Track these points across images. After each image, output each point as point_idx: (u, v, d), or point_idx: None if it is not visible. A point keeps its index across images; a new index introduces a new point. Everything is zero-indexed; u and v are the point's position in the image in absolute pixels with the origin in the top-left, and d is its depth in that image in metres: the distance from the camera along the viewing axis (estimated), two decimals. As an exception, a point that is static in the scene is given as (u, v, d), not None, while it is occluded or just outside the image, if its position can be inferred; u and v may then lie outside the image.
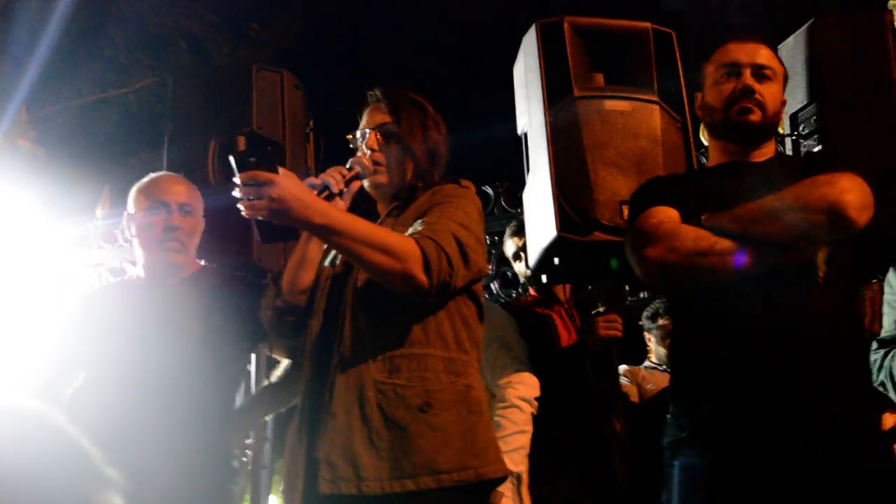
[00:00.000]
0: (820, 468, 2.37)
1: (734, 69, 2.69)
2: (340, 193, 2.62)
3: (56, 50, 9.82)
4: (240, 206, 2.39)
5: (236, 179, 2.37)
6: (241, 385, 3.61)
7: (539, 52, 3.51)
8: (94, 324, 3.34)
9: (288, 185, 2.34)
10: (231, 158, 2.42)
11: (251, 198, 2.34)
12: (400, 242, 2.44)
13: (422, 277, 2.43)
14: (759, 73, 2.69)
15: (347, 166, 2.68)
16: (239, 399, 3.63)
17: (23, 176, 6.80)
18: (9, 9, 10.02)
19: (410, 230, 2.54)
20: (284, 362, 3.47)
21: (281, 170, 2.39)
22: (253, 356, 4.05)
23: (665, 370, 4.93)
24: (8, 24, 9.84)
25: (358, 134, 2.81)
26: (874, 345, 3.14)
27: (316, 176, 2.65)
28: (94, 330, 3.33)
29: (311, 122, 4.12)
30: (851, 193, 2.41)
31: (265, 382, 3.75)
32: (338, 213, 2.45)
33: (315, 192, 2.51)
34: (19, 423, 0.93)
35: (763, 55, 2.73)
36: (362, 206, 2.82)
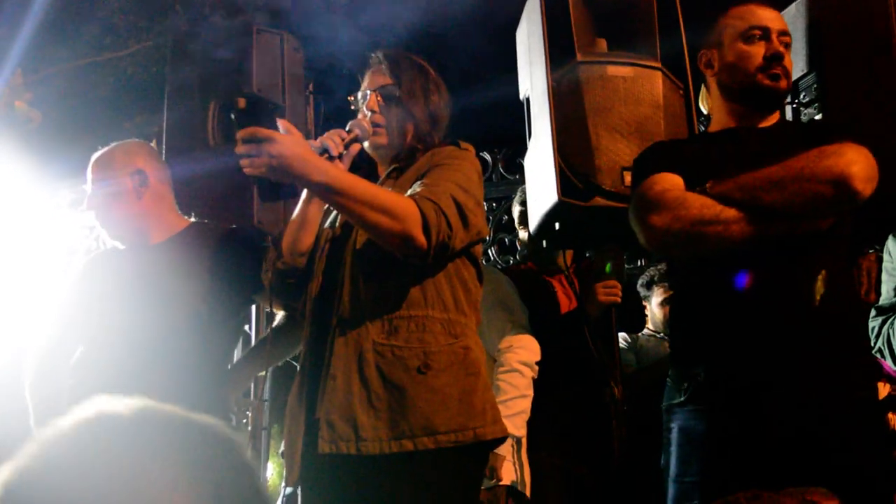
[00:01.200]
0: (817, 433, 2.39)
1: (764, 32, 2.68)
2: (340, 156, 2.62)
3: (51, 12, 9.75)
4: (241, 162, 2.38)
5: (238, 136, 2.36)
6: (237, 341, 3.61)
7: (542, 17, 3.50)
8: (90, 290, 3.36)
9: (287, 142, 2.34)
10: (232, 115, 2.41)
11: (252, 155, 2.34)
12: (399, 203, 2.43)
13: (420, 238, 2.43)
14: (782, 40, 2.68)
15: (347, 129, 2.68)
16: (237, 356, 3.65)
17: (18, 138, 6.76)
18: (3, -31, 9.93)
19: (409, 191, 2.54)
20: (279, 315, 3.47)
21: (285, 126, 2.39)
22: (253, 311, 4.06)
23: (663, 338, 4.96)
24: (2, -16, 9.76)
25: (359, 95, 2.82)
26: (872, 312, 3.16)
27: (315, 139, 2.65)
28: (90, 297, 3.35)
29: (310, 85, 4.11)
30: (858, 165, 2.40)
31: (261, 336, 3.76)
32: (337, 172, 2.44)
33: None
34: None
35: (782, 22, 2.73)
36: (362, 168, 2.82)
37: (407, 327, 2.52)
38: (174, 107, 3.93)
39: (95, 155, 3.42)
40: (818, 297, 2.45)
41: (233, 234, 3.41)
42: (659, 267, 4.96)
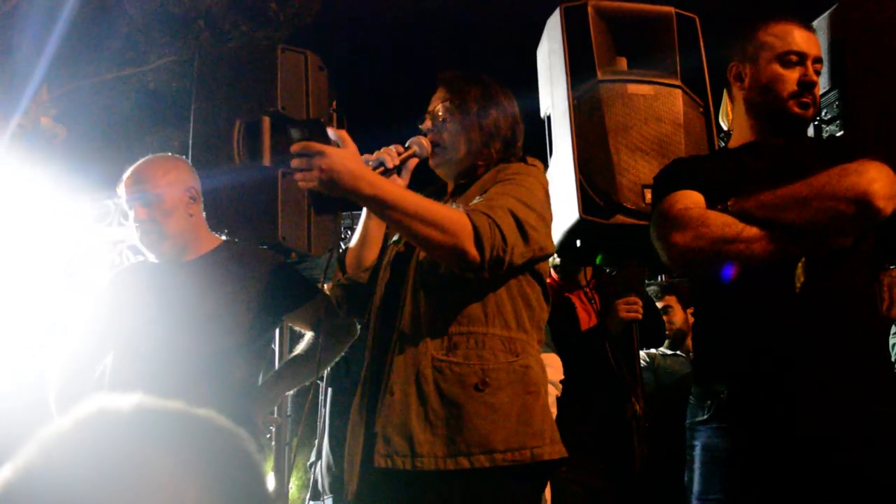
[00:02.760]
0: (839, 451, 2.39)
1: (801, 58, 2.66)
2: (398, 171, 2.65)
3: (75, 28, 9.84)
4: (295, 176, 2.38)
5: (292, 150, 2.37)
6: (264, 360, 3.64)
7: (563, 36, 3.53)
8: (120, 304, 3.38)
9: (339, 156, 2.33)
10: (289, 128, 2.43)
11: (304, 168, 2.34)
12: (451, 216, 2.41)
13: (473, 252, 2.39)
14: (816, 68, 2.68)
15: (406, 145, 2.70)
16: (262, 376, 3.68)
17: (43, 153, 6.84)
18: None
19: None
20: (307, 336, 3.50)
21: (342, 137, 2.39)
22: (276, 332, 4.08)
23: (680, 356, 4.97)
24: (26, 3, 9.86)
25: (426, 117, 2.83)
26: (893, 328, 3.17)
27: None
28: (119, 310, 3.37)
29: (334, 103, 4.15)
30: (879, 183, 2.40)
31: (287, 357, 3.79)
32: (389, 186, 2.42)
33: (370, 168, 2.50)
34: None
35: (818, 48, 2.71)
36: (429, 188, 2.84)
37: (466, 344, 2.51)
38: (199, 122, 3.97)
39: (137, 166, 3.39)
40: (798, 285, 2.45)
41: (263, 253, 3.45)
42: (661, 284, 4.99)
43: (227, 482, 0.91)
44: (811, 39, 2.70)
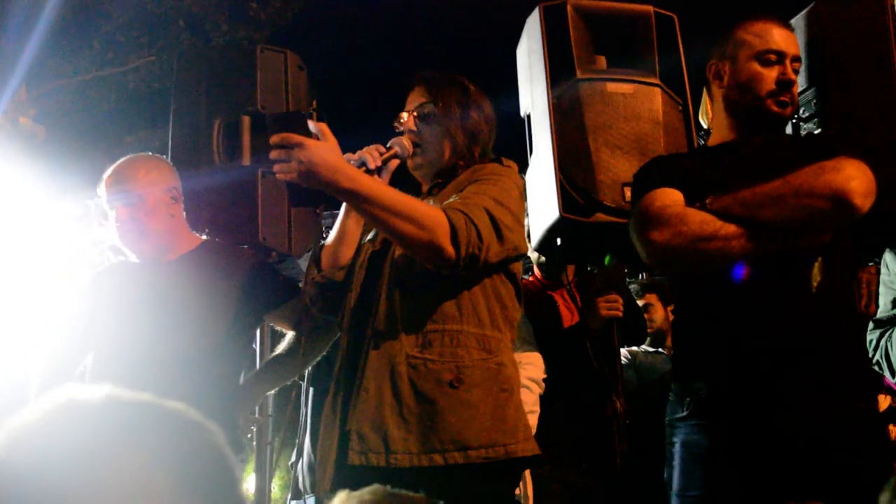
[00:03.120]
0: (818, 446, 2.40)
1: (780, 57, 2.68)
2: (378, 171, 2.65)
3: (55, 27, 9.80)
4: (274, 168, 2.40)
5: (271, 141, 2.39)
6: (246, 360, 3.63)
7: (542, 34, 3.53)
8: (101, 304, 3.38)
9: (318, 148, 2.35)
10: (269, 119, 2.44)
11: (282, 160, 2.36)
12: (427, 212, 2.43)
13: (449, 249, 2.42)
14: (794, 66, 2.70)
15: (387, 145, 2.71)
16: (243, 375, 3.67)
17: (22, 154, 6.80)
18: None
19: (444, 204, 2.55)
20: (288, 336, 3.50)
21: (321, 130, 2.40)
22: (258, 332, 4.08)
23: (661, 353, 4.99)
24: (6, 2, 9.81)
25: (402, 117, 2.84)
26: (870, 325, 3.18)
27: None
28: (101, 310, 3.37)
29: (314, 102, 4.14)
30: (857, 181, 2.42)
31: (268, 357, 3.79)
32: (367, 180, 2.44)
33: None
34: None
35: (797, 47, 2.74)
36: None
37: (441, 341, 2.53)
38: (179, 122, 3.96)
39: (118, 166, 3.40)
40: (815, 284, 2.46)
41: (244, 253, 3.44)
42: (642, 282, 5.01)
43: (196, 474, 0.91)
44: (790, 38, 2.72)
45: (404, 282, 2.59)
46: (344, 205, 2.70)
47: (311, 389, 4.02)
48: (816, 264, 2.47)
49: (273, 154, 2.37)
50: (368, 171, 2.58)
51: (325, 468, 2.59)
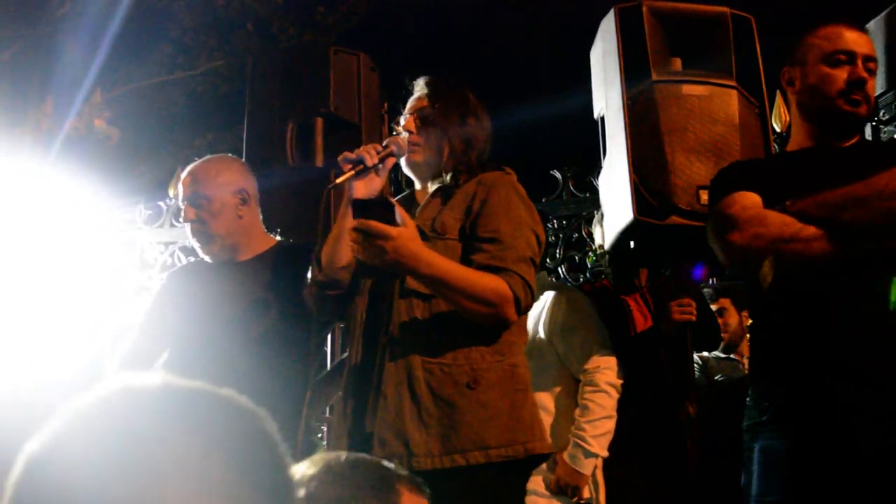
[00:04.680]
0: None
1: (850, 57, 2.66)
2: (375, 169, 2.71)
3: (126, 32, 9.96)
4: (351, 247, 2.52)
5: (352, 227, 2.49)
6: (317, 361, 3.65)
7: (617, 36, 3.51)
8: (173, 304, 3.42)
9: (402, 239, 2.46)
10: (357, 204, 2.53)
11: (364, 244, 2.46)
12: (494, 289, 2.57)
13: (513, 317, 2.60)
14: (867, 66, 2.67)
15: (384, 144, 2.77)
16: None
17: (97, 155, 6.93)
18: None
19: (484, 257, 2.64)
20: None
21: (402, 217, 2.50)
22: (329, 333, 4.10)
23: (732, 359, 4.93)
24: (78, 6, 9.99)
25: (400, 118, 2.93)
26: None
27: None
28: (173, 309, 3.41)
29: (385, 104, 4.17)
30: None
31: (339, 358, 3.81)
32: (441, 263, 2.55)
33: (350, 165, 2.65)
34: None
35: (870, 46, 2.71)
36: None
37: (454, 346, 2.61)
38: (253, 123, 4.01)
39: (193, 167, 3.45)
40: (765, 286, 2.43)
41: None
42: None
43: (251, 460, 0.91)
44: (861, 39, 2.70)
45: (418, 288, 2.65)
46: (342, 204, 2.78)
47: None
48: (767, 263, 2.44)
49: (353, 237, 2.48)
50: (365, 169, 2.66)
51: None
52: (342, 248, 2.74)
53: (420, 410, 2.53)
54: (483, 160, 2.89)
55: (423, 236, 2.66)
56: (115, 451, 0.86)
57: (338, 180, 2.66)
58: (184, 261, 6.15)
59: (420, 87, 2.95)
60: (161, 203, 7.00)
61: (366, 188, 2.72)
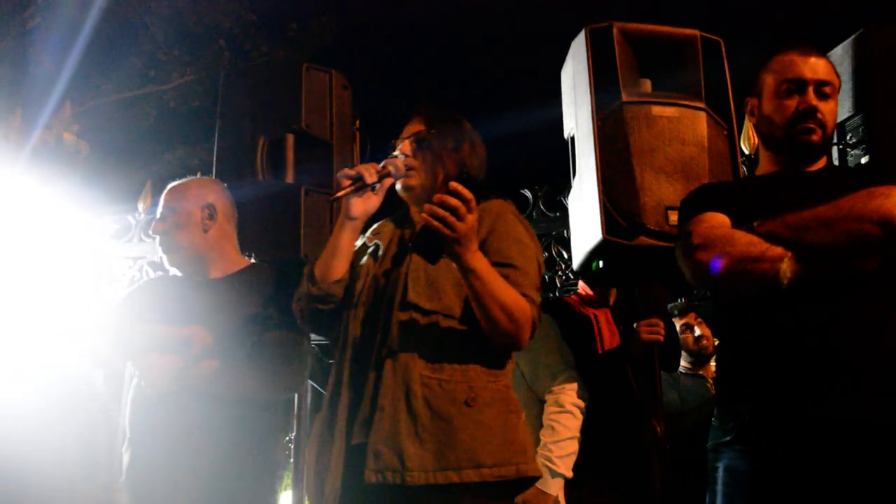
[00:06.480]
0: (864, 475, 2.37)
1: (798, 86, 2.70)
2: (373, 187, 2.73)
3: (97, 45, 9.92)
4: (426, 206, 2.47)
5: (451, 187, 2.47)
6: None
7: (588, 57, 3.54)
8: (141, 314, 3.40)
9: (474, 222, 2.47)
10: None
11: (441, 213, 2.44)
12: (521, 306, 2.59)
13: (525, 341, 2.64)
14: (821, 91, 2.70)
15: (381, 165, 2.78)
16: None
17: (66, 169, 6.88)
18: (50, 3, 10.12)
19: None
20: None
21: (473, 207, 2.49)
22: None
23: (696, 375, 4.96)
24: (49, 18, 9.95)
25: (398, 143, 2.92)
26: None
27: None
28: (140, 320, 3.39)
29: (357, 122, 4.17)
30: None
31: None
32: (485, 263, 2.56)
33: (349, 181, 2.67)
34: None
35: (824, 70, 2.73)
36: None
37: (451, 363, 2.61)
38: (224, 139, 4.00)
39: (171, 184, 3.49)
40: (784, 282, 2.44)
41: (288, 278, 3.45)
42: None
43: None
44: (815, 64, 2.72)
45: (418, 305, 2.66)
46: (338, 220, 2.78)
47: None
48: (786, 259, 2.45)
49: (441, 199, 2.44)
50: (364, 186, 2.69)
51: (322, 486, 2.63)
52: (337, 263, 2.77)
53: (416, 425, 2.52)
54: (479, 186, 2.90)
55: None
56: None
57: (337, 195, 2.68)
58: (152, 275, 6.10)
59: (416, 114, 2.97)
60: (130, 217, 6.96)
61: (363, 205, 2.75)
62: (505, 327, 2.56)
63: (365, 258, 2.86)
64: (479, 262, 2.52)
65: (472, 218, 2.45)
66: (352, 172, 2.69)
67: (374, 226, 2.97)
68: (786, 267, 2.42)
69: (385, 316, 2.68)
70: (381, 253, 2.85)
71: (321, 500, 2.62)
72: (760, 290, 2.50)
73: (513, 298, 2.58)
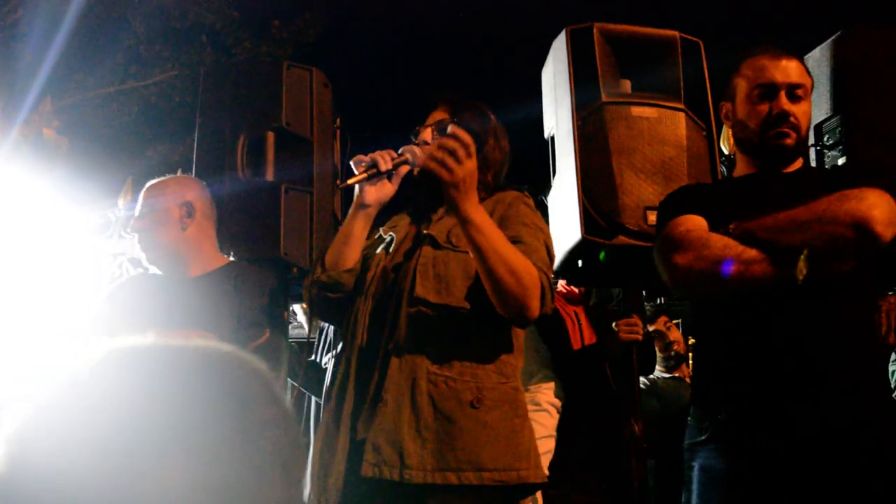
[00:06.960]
0: (837, 474, 2.39)
1: (770, 90, 2.69)
2: (388, 175, 2.67)
3: (78, 40, 9.87)
4: (426, 149, 2.49)
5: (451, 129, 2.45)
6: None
7: (568, 57, 3.55)
8: (122, 311, 3.39)
9: (474, 170, 2.43)
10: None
11: (444, 155, 2.41)
12: (528, 268, 2.49)
13: (536, 309, 2.50)
14: (793, 93, 2.70)
15: (398, 151, 2.71)
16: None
17: (46, 164, 6.85)
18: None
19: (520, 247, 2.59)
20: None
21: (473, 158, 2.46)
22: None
23: (681, 379, 4.98)
24: (30, 12, 9.89)
25: (419, 129, 2.87)
26: (893, 355, 3.17)
27: (340, 173, 2.70)
28: (121, 317, 3.38)
29: (338, 120, 4.16)
30: (879, 209, 2.42)
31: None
32: (486, 218, 2.49)
33: (363, 168, 2.59)
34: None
35: (795, 72, 2.72)
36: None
37: (461, 361, 2.55)
38: (204, 136, 3.98)
39: (150, 182, 3.47)
40: (800, 278, 2.44)
41: (267, 277, 3.44)
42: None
43: (254, 414, 0.91)
44: (787, 67, 2.71)
45: (428, 299, 2.59)
46: (352, 207, 2.73)
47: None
48: (802, 256, 2.45)
49: (434, 143, 2.44)
50: (378, 173, 2.61)
51: (325, 479, 2.57)
52: (349, 251, 2.72)
53: (419, 422, 2.47)
54: (499, 180, 2.85)
55: (437, 246, 2.63)
56: (117, 411, 0.84)
57: (349, 181, 2.60)
58: (132, 272, 6.08)
59: (441, 102, 2.91)
60: (110, 213, 6.93)
61: (377, 193, 2.70)
62: (512, 289, 2.45)
63: (378, 250, 2.80)
64: (479, 214, 2.45)
65: (471, 163, 2.40)
66: (365, 158, 2.62)
67: (392, 218, 2.90)
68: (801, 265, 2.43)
69: (394, 309, 2.62)
70: (393, 246, 2.78)
71: (324, 494, 2.56)
72: (736, 293, 2.51)
73: (520, 260, 2.49)
